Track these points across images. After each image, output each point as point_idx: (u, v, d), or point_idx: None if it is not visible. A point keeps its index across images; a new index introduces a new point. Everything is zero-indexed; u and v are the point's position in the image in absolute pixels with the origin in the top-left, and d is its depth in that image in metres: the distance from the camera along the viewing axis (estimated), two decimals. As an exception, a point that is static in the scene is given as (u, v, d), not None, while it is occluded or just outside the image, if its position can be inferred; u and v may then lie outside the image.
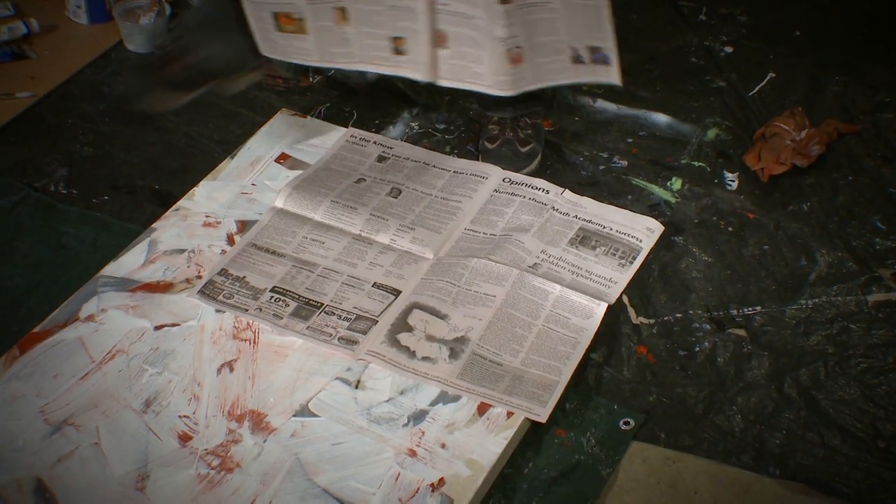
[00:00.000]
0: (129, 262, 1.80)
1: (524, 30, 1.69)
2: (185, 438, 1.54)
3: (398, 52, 1.75)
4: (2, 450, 1.53)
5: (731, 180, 1.98)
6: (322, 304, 1.73)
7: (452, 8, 1.69)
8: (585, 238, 1.83)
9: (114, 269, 1.78)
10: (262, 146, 2.03)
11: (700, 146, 2.05)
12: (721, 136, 2.07)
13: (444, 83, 1.79)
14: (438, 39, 1.71)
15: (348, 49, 1.78)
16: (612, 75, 1.73)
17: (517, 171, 1.96)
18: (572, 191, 1.92)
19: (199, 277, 1.77)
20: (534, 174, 1.96)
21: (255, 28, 1.81)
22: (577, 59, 1.71)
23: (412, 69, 1.76)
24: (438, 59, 1.74)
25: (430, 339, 1.66)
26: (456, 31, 1.71)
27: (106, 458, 1.52)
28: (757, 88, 2.18)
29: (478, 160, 2.00)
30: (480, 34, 1.69)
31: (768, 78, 2.20)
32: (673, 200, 1.94)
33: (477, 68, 1.74)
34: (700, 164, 2.02)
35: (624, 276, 1.77)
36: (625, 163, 2.03)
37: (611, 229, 1.84)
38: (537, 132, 2.00)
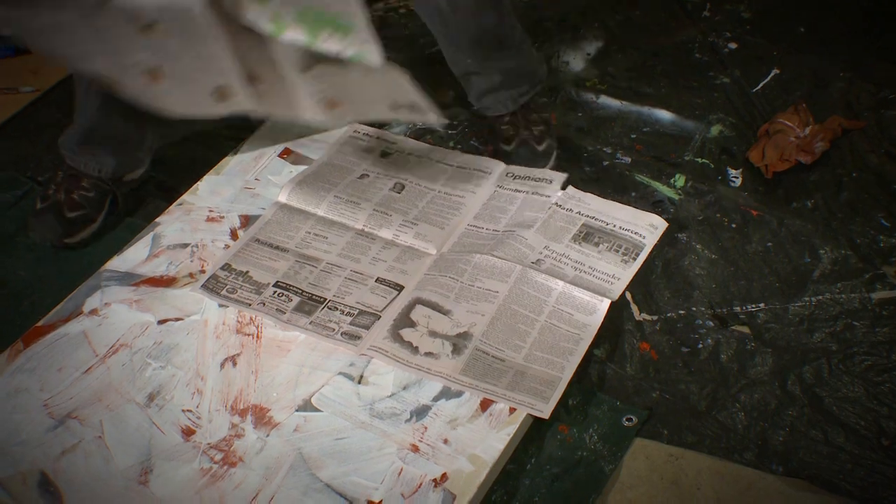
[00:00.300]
0: (133, 257, 1.80)
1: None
2: (188, 433, 1.54)
3: (223, 97, 1.50)
4: (6, 443, 1.53)
5: (735, 177, 1.97)
6: (325, 300, 1.73)
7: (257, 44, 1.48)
8: (589, 234, 1.83)
9: (117, 263, 1.78)
10: (265, 141, 2.03)
11: (704, 143, 2.05)
12: (725, 132, 2.07)
13: (279, 118, 1.65)
14: (251, 78, 1.49)
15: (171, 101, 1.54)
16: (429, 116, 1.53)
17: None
18: (576, 187, 1.92)
19: (203, 272, 1.77)
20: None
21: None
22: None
23: (243, 109, 1.54)
24: (261, 95, 1.52)
25: (433, 334, 1.66)
26: (262, 70, 1.50)
27: (109, 451, 1.52)
28: (761, 85, 2.18)
29: (481, 155, 2.00)
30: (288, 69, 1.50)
31: (772, 74, 2.20)
32: (676, 197, 1.94)
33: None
34: (703, 160, 2.02)
35: (627, 273, 1.77)
36: (628, 159, 2.02)
37: (614, 226, 1.84)
38: (548, 127, 2.00)
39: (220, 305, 1.72)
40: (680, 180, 1.97)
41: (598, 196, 1.90)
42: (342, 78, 1.46)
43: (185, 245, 1.82)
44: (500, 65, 1.96)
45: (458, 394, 1.58)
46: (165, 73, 1.45)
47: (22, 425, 1.56)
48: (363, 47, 1.38)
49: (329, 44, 1.38)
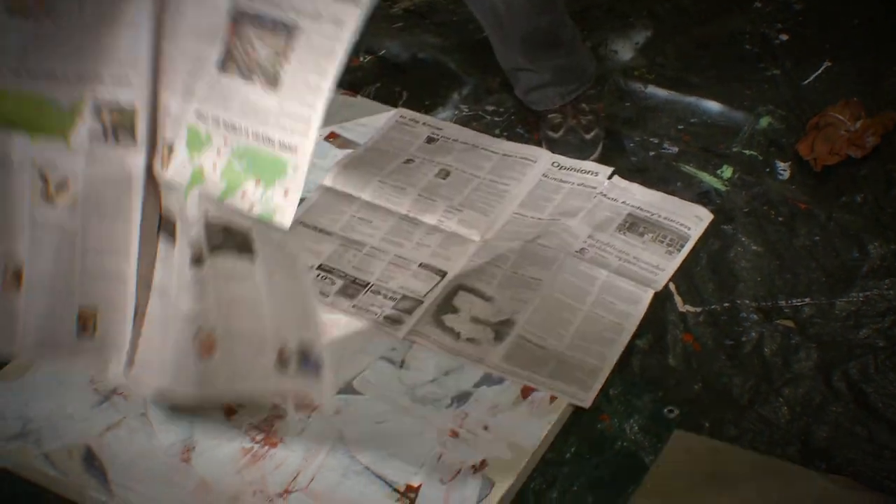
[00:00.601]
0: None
1: (218, 309, 1.35)
2: (230, 412, 1.55)
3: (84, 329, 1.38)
4: (53, 417, 1.55)
5: (783, 170, 1.95)
6: (368, 283, 1.73)
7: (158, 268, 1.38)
8: (633, 224, 1.82)
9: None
10: (311, 124, 2.04)
11: (752, 134, 2.03)
12: (774, 124, 2.05)
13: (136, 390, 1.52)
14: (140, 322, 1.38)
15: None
16: (318, 392, 1.37)
17: (584, 158, 1.95)
18: (621, 177, 1.91)
19: (248, 253, 1.78)
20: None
21: None
22: (283, 362, 1.34)
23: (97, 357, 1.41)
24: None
25: (475, 321, 1.66)
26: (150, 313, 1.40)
27: (153, 428, 1.54)
28: (812, 77, 2.15)
29: (527, 143, 2.00)
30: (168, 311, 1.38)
31: (824, 67, 2.17)
32: (723, 189, 1.93)
33: (164, 357, 1.40)
34: (752, 152, 2.00)
35: (671, 264, 1.76)
36: (675, 149, 2.01)
37: (659, 216, 1.83)
38: (597, 117, 1.99)
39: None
40: (727, 172, 1.96)
41: (644, 186, 1.89)
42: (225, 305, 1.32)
43: (231, 226, 1.83)
44: (551, 63, 1.95)
45: (500, 381, 1.58)
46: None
47: (68, 400, 1.58)
48: (278, 205, 1.26)
49: (244, 199, 1.27)
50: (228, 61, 1.27)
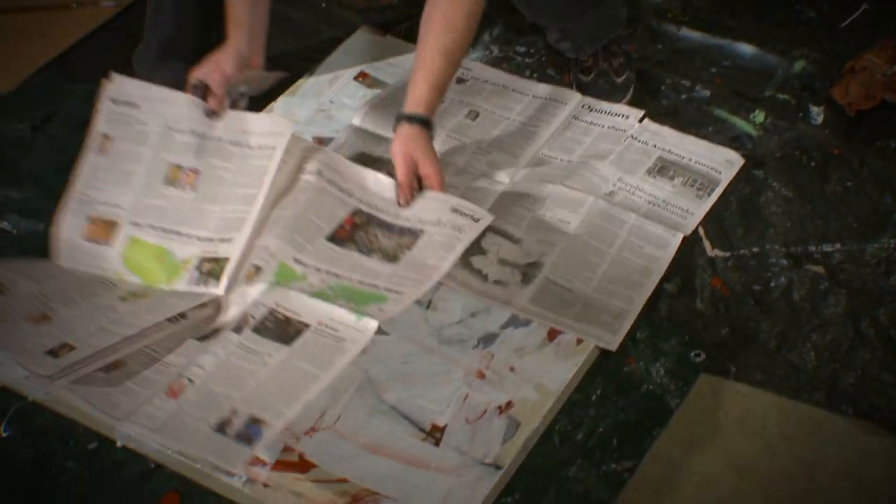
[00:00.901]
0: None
1: (214, 368, 1.42)
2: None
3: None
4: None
5: (817, 114, 1.93)
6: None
7: None
8: (664, 168, 1.81)
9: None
10: (340, 64, 2.03)
11: (786, 78, 2.00)
12: (808, 68, 2.02)
13: None
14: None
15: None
16: (234, 464, 1.33)
17: (615, 102, 1.93)
18: (652, 120, 1.89)
19: (276, 193, 1.79)
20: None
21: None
22: (223, 426, 1.34)
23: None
24: None
25: (503, 262, 1.66)
26: None
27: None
28: (849, 20, 2.11)
29: (557, 85, 1.98)
30: None
31: (861, 9, 2.13)
32: (755, 133, 1.91)
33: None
34: (785, 96, 1.97)
35: (701, 208, 1.75)
36: (707, 93, 1.99)
37: (690, 160, 1.82)
38: (629, 60, 1.97)
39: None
40: (759, 116, 1.93)
41: (675, 130, 1.87)
42: None
43: (260, 165, 1.83)
44: (581, 23, 1.93)
45: (526, 323, 1.59)
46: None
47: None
48: (369, 314, 1.42)
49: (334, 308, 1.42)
50: (347, 241, 1.51)
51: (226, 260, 1.55)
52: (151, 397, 1.38)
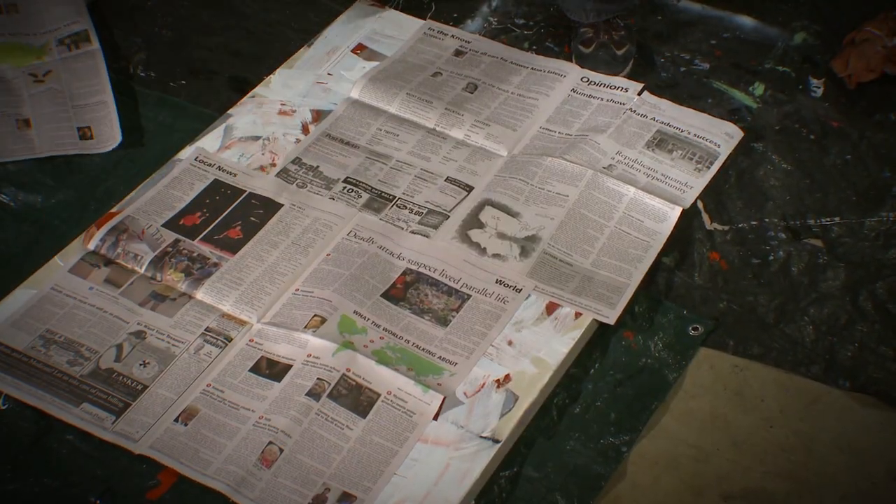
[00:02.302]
0: (205, 147, 1.81)
1: (300, 437, 1.44)
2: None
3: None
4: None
5: (817, 87, 1.92)
6: (394, 197, 1.73)
7: None
8: (662, 141, 1.80)
9: (190, 153, 1.79)
10: (338, 36, 2.02)
11: (786, 50, 2.00)
12: (809, 40, 2.01)
13: None
14: None
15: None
16: None
17: (614, 74, 1.92)
18: (651, 93, 1.88)
19: (274, 165, 1.78)
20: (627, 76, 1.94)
21: None
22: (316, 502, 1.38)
23: None
24: None
25: (502, 236, 1.66)
26: None
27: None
28: (850, -9, 2.10)
29: (556, 57, 1.97)
30: None
31: (863, -20, 2.12)
32: (754, 106, 1.90)
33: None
34: (785, 69, 1.96)
35: (700, 181, 1.75)
36: (706, 65, 1.98)
37: (689, 133, 1.81)
38: (630, 32, 1.96)
39: (291, 200, 1.74)
40: (759, 88, 1.93)
41: (674, 103, 1.87)
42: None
43: (257, 138, 1.82)
44: None
45: (525, 296, 1.59)
46: None
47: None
48: (430, 388, 1.46)
49: (395, 374, 1.47)
50: (401, 300, 1.56)
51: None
52: (246, 463, 1.39)
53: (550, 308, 1.57)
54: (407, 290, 1.58)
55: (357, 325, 1.52)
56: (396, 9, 2.10)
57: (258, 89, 1.91)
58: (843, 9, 2.06)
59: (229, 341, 1.53)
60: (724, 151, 1.79)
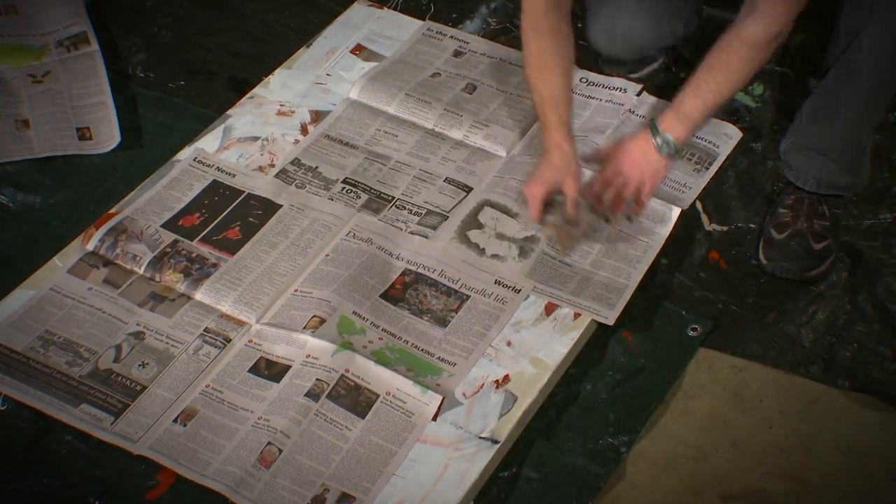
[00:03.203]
0: (204, 147, 1.81)
1: (298, 438, 1.43)
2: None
3: None
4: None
5: (816, 87, 1.92)
6: (393, 198, 1.73)
7: None
8: (662, 141, 1.80)
9: (189, 153, 1.79)
10: (337, 36, 2.02)
11: (785, 51, 2.00)
12: (808, 41, 2.01)
13: None
14: None
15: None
16: None
17: (804, 271, 1.65)
18: (650, 93, 1.88)
19: (273, 166, 1.78)
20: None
21: None
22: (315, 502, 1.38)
23: None
24: None
25: (500, 237, 1.66)
26: None
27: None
28: (848, -7, 2.10)
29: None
30: None
31: (861, -18, 2.12)
32: (754, 106, 1.90)
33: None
34: (784, 69, 1.97)
35: (699, 182, 1.75)
36: (706, 66, 1.98)
37: (688, 133, 1.81)
38: (836, 225, 1.72)
39: (290, 200, 1.74)
40: (758, 89, 1.93)
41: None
42: None
43: (256, 138, 1.82)
44: None
45: (524, 297, 1.58)
46: None
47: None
48: (430, 389, 1.46)
49: (395, 374, 1.47)
50: (399, 300, 1.56)
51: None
52: (245, 463, 1.39)
53: (549, 309, 1.57)
54: (406, 290, 1.58)
55: (356, 326, 1.52)
56: (395, 9, 2.10)
57: (257, 90, 1.91)
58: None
59: (228, 342, 1.53)
60: (724, 152, 1.79)
